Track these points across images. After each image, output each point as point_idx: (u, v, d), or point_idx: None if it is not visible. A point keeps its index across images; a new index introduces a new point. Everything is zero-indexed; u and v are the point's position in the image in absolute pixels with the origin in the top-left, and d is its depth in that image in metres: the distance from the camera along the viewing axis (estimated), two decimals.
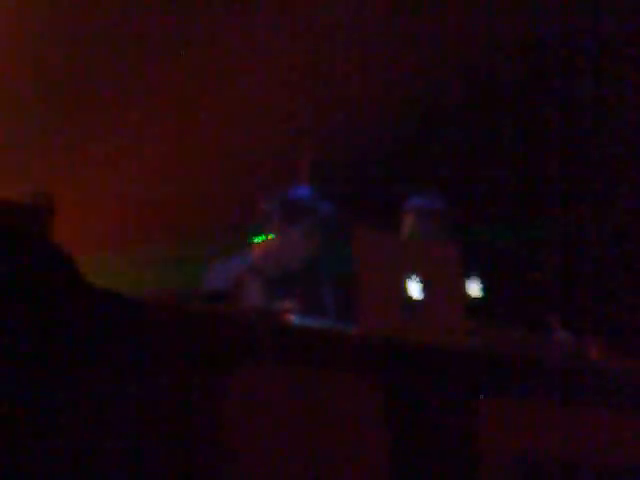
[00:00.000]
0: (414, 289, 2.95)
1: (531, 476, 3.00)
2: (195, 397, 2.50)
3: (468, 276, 3.35)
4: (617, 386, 3.25)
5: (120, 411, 2.36)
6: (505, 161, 5.57)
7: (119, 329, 2.43)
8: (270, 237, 3.85)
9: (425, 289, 2.96)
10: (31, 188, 2.98)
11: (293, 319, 3.03)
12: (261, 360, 2.59)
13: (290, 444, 2.61)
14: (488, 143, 5.61)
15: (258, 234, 3.89)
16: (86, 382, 2.32)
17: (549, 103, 5.54)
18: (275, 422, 2.59)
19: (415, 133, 5.68)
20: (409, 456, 2.81)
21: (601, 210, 5.37)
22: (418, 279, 2.95)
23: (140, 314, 2.49)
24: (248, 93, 5.66)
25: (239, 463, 2.49)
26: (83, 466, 2.30)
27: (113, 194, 5.37)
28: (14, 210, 2.88)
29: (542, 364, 3.14)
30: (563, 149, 5.53)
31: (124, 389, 2.38)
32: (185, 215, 5.25)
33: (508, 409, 2.99)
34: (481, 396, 2.93)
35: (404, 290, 2.94)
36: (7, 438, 2.26)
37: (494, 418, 2.96)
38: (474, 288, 3.39)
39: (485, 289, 3.40)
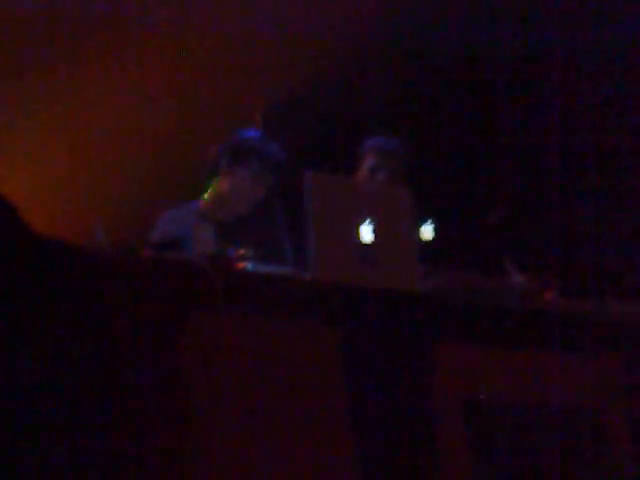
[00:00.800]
0: (367, 233, 2.92)
1: (483, 419, 3.01)
2: (148, 347, 2.47)
3: (421, 219, 3.34)
4: (569, 328, 3.27)
5: (68, 364, 2.32)
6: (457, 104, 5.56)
7: (66, 279, 2.38)
8: (217, 181, 3.82)
9: (378, 233, 2.93)
10: None
11: (247, 266, 3.00)
12: (214, 308, 2.56)
13: (245, 392, 2.59)
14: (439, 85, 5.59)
15: (209, 179, 3.86)
16: (31, 334, 2.28)
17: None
18: (230, 371, 2.56)
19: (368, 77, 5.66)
20: (365, 402, 2.81)
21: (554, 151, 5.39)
22: (371, 223, 2.93)
23: (88, 263, 2.45)
24: (199, 44, 5.59)
25: (194, 413, 2.47)
26: (26, 423, 2.26)
27: (57, 141, 5.30)
28: None
29: (495, 308, 3.15)
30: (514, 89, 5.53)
31: (72, 341, 2.34)
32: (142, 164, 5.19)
33: (461, 353, 3.00)
34: (434, 340, 2.93)
35: (357, 234, 2.92)
36: None
37: (448, 363, 2.97)
38: (427, 231, 3.37)
39: (438, 232, 3.38)
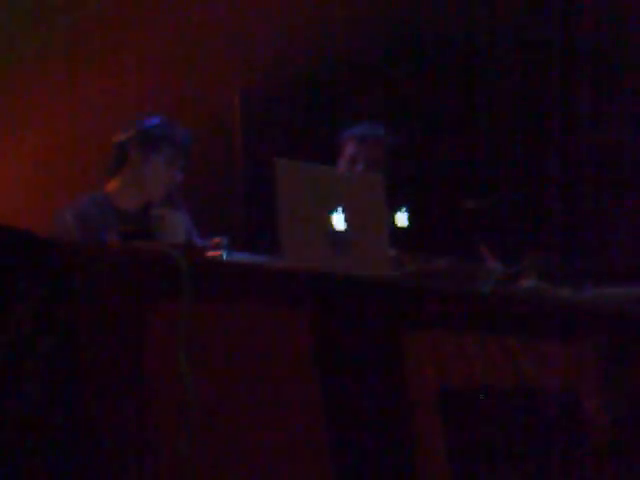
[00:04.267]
0: (339, 220, 2.91)
1: (456, 406, 3.00)
2: (115, 338, 2.44)
3: (395, 206, 3.32)
4: (545, 313, 3.26)
5: (36, 356, 2.29)
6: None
7: (34, 269, 2.35)
8: (127, 170, 3.77)
9: (349, 220, 2.92)
10: None
11: (221, 254, 2.99)
12: (185, 298, 2.53)
13: (217, 383, 2.57)
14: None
15: (114, 169, 3.80)
16: None
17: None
18: (201, 362, 2.54)
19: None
20: (338, 389, 2.79)
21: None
22: (342, 210, 2.91)
23: (56, 253, 2.42)
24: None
25: (160, 407, 2.44)
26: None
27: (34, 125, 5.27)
28: None
29: (470, 293, 3.14)
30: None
31: (39, 333, 2.31)
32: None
33: (433, 339, 2.99)
34: (408, 327, 2.92)
35: (329, 222, 2.90)
36: None
37: (421, 349, 2.95)
38: (401, 218, 3.36)
39: (412, 219, 3.37)
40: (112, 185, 3.80)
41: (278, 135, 5.54)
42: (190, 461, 2.40)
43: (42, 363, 2.30)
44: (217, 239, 3.15)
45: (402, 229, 3.32)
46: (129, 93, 5.49)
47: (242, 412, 2.58)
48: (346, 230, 2.91)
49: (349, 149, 4.04)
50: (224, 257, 2.98)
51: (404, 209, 3.33)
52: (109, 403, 2.37)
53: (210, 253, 3.00)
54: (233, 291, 2.69)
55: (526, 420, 3.16)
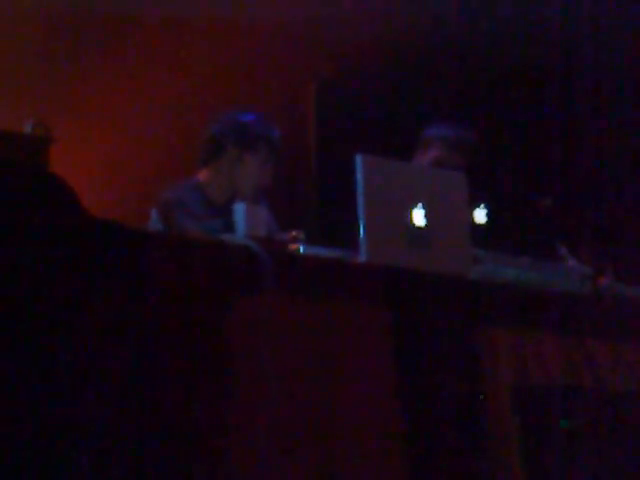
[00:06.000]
0: (419, 217, 2.91)
1: (529, 402, 2.99)
2: (197, 330, 2.48)
3: (474, 203, 3.31)
4: (623, 313, 3.24)
5: (119, 346, 2.34)
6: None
7: (121, 261, 2.40)
8: (222, 163, 3.78)
9: (430, 217, 2.92)
10: (30, 119, 2.95)
11: (299, 248, 3.00)
12: (265, 291, 2.56)
13: (296, 379, 2.59)
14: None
15: (210, 160, 3.82)
16: (86, 317, 2.30)
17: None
18: (281, 356, 2.56)
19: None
20: (416, 386, 2.80)
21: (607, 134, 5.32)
22: (423, 206, 2.91)
23: (142, 245, 2.46)
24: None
25: (242, 399, 2.47)
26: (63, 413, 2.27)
27: (111, 126, 5.33)
28: (13, 140, 2.85)
29: (548, 292, 3.12)
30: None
31: (124, 324, 2.35)
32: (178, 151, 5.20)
33: (512, 337, 2.98)
34: (486, 325, 2.92)
35: (409, 218, 2.91)
36: None
37: (499, 347, 2.95)
38: (480, 215, 3.35)
39: (492, 216, 3.35)
40: (204, 175, 3.83)
41: (353, 127, 5.53)
42: (268, 455, 2.43)
43: (126, 351, 2.35)
44: (294, 233, 3.17)
45: (481, 226, 3.30)
46: (200, 86, 5.54)
47: (322, 405, 2.60)
48: (426, 226, 2.91)
49: (435, 150, 3.88)
50: (301, 251, 3.00)
51: (483, 206, 3.31)
52: (192, 392, 2.41)
53: (290, 246, 3.02)
54: (314, 285, 2.71)
55: (602, 420, 3.14)
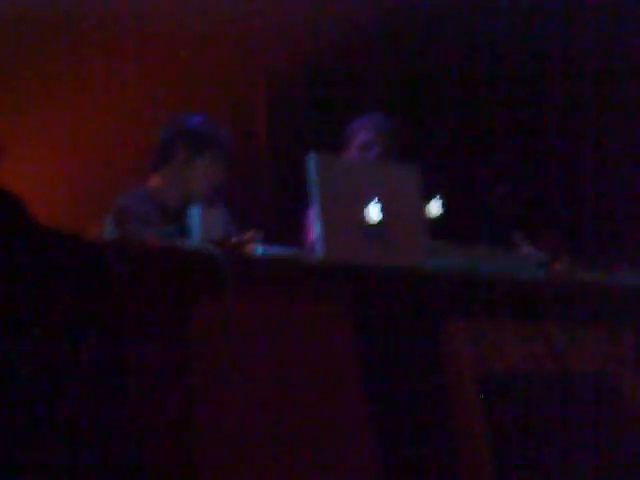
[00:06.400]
0: (374, 212, 2.92)
1: (494, 391, 3.01)
2: (155, 335, 2.47)
3: (428, 196, 3.33)
4: (579, 298, 3.27)
5: (77, 356, 2.32)
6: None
7: (77, 270, 2.38)
8: (172, 167, 3.78)
9: (385, 212, 2.93)
10: None
11: (256, 248, 3.00)
12: (225, 294, 2.55)
13: (258, 381, 2.59)
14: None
15: (160, 164, 3.81)
16: (41, 327, 2.28)
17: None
18: (242, 358, 2.56)
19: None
20: (378, 379, 2.81)
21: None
22: (378, 202, 2.92)
23: (95, 253, 2.45)
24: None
25: (204, 402, 2.47)
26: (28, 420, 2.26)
27: (61, 136, 5.29)
28: None
29: (504, 280, 3.14)
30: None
31: (78, 331, 2.34)
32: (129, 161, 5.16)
33: (472, 327, 3.00)
34: (445, 315, 2.93)
35: (365, 214, 2.92)
36: None
37: (459, 337, 2.97)
38: (435, 207, 3.36)
39: (445, 208, 3.37)
40: (155, 181, 3.81)
41: (305, 125, 5.54)
42: (232, 458, 2.43)
43: (86, 357, 2.33)
44: (251, 233, 3.16)
45: (436, 218, 3.32)
46: (151, 85, 5.51)
47: (286, 406, 2.60)
48: (382, 221, 2.92)
49: (362, 136, 4.04)
50: (258, 251, 2.99)
51: (437, 197, 3.33)
52: (154, 398, 2.40)
53: (247, 247, 3.01)
54: (273, 285, 2.71)
55: (565, 402, 3.17)
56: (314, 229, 2.87)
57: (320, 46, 5.67)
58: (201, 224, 2.91)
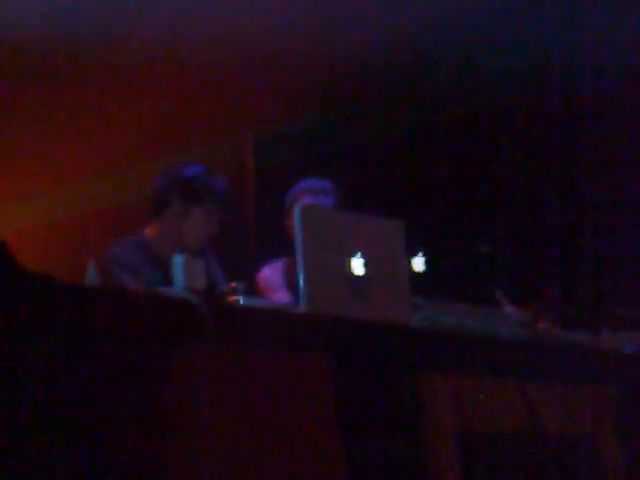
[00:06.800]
0: (358, 266, 2.92)
1: (473, 449, 3.00)
2: (136, 383, 2.45)
3: (412, 251, 3.34)
4: (561, 358, 3.27)
5: (55, 402, 2.30)
6: None
7: (57, 315, 2.37)
8: (167, 216, 3.78)
9: (369, 266, 2.93)
10: None
11: (238, 299, 3.00)
12: (205, 343, 2.55)
13: (235, 429, 2.57)
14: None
15: (155, 214, 3.81)
16: (20, 374, 2.27)
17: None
18: (221, 407, 2.55)
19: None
20: (358, 432, 2.80)
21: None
22: (362, 256, 2.93)
23: (77, 298, 2.44)
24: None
25: (181, 448, 2.45)
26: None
27: (48, 182, 5.31)
28: None
29: (488, 338, 3.15)
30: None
31: (60, 377, 2.32)
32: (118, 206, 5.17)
33: (453, 384, 2.99)
34: (427, 371, 2.93)
35: (348, 267, 2.92)
36: None
37: (441, 394, 2.96)
38: (418, 263, 3.37)
39: (429, 264, 3.38)
40: (151, 230, 3.82)
41: (291, 175, 5.57)
42: None
43: (64, 406, 2.32)
44: (233, 284, 3.16)
45: (419, 274, 3.33)
46: (137, 137, 5.53)
47: (262, 455, 2.59)
48: (365, 275, 2.92)
49: (305, 200, 4.08)
50: (241, 302, 2.99)
51: (421, 254, 3.35)
52: (131, 444, 2.39)
53: (229, 298, 3.01)
54: (254, 335, 2.71)
55: (543, 463, 3.16)
56: (297, 280, 2.87)
57: (311, 102, 5.72)
58: (184, 273, 2.91)
